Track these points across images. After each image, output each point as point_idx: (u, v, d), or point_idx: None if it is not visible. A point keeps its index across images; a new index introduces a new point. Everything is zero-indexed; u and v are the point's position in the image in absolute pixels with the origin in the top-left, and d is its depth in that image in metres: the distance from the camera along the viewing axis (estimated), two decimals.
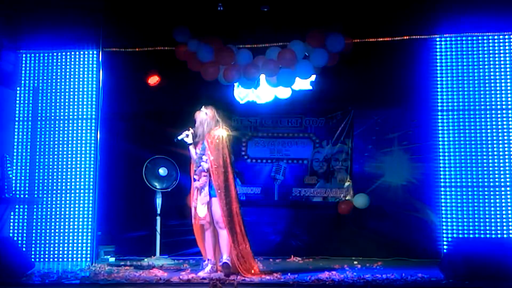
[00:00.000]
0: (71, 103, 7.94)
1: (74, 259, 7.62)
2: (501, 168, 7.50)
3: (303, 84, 8.21)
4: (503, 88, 7.62)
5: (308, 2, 7.72)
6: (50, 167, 7.84)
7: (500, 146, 7.53)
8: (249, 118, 8.57)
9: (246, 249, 6.23)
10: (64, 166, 7.83)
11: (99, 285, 5.83)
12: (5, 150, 7.65)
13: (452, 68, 7.76)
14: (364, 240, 8.07)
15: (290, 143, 8.52)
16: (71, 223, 7.72)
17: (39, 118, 7.94)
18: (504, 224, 7.39)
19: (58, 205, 7.76)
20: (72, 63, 8.00)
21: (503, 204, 7.43)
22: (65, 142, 7.87)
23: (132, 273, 6.40)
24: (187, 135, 6.37)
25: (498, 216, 7.42)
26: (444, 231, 7.60)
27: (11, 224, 7.74)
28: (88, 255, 7.62)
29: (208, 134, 6.33)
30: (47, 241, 7.70)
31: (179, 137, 6.40)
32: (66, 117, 7.92)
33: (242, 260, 6.15)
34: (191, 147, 6.41)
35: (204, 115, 6.40)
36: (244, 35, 8.10)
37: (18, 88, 8.01)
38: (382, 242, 7.97)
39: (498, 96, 7.61)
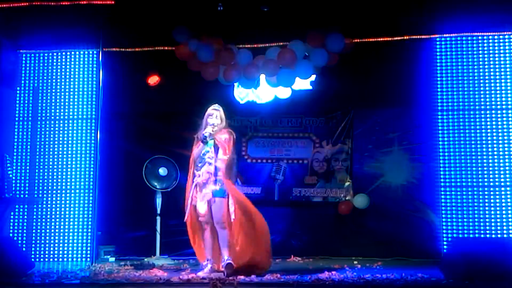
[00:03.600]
0: (71, 103, 7.95)
1: (74, 259, 7.64)
2: (501, 168, 7.50)
3: (303, 84, 8.21)
4: (503, 88, 7.63)
5: (308, 2, 7.72)
6: (50, 167, 7.85)
7: (500, 146, 7.54)
8: (249, 118, 8.56)
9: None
10: (64, 166, 7.84)
11: (99, 285, 5.82)
12: (5, 150, 7.65)
13: (452, 68, 7.77)
14: (364, 240, 8.07)
15: (290, 143, 8.52)
16: (71, 223, 7.73)
17: (39, 118, 7.95)
18: (504, 224, 7.40)
19: (58, 205, 7.77)
20: (72, 63, 8.02)
21: (503, 204, 7.44)
22: (65, 142, 7.88)
23: (132, 273, 6.39)
24: (210, 133, 6.27)
25: (498, 216, 7.43)
26: (444, 231, 7.60)
27: (11, 224, 7.74)
28: (88, 255, 7.63)
29: (221, 132, 6.32)
30: (47, 241, 7.72)
31: (206, 134, 6.23)
32: (66, 117, 7.93)
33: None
34: (201, 144, 6.31)
35: (223, 113, 6.41)
36: (244, 35, 8.10)
37: (18, 88, 8.02)
38: (382, 242, 7.96)
39: (498, 96, 7.62)
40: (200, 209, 6.24)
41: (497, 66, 7.66)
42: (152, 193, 7.85)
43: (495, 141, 7.56)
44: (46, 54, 8.05)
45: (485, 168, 7.54)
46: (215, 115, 6.38)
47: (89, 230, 7.69)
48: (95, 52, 7.96)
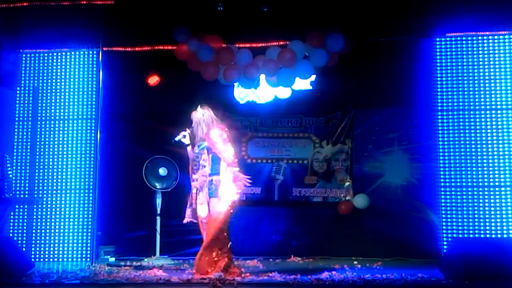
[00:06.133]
0: (71, 103, 7.95)
1: (74, 259, 7.64)
2: (501, 168, 7.51)
3: (303, 84, 8.20)
4: (503, 88, 7.63)
5: (308, 2, 7.72)
6: (50, 167, 7.85)
7: (500, 146, 7.54)
8: (249, 118, 8.57)
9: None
10: (64, 166, 7.84)
11: (99, 285, 5.83)
12: (5, 150, 7.65)
13: (452, 68, 7.78)
14: (364, 240, 8.07)
15: (290, 143, 8.52)
16: (71, 223, 7.73)
17: (39, 118, 7.95)
18: (504, 224, 7.40)
19: (58, 205, 7.77)
20: (72, 62, 8.02)
21: (503, 204, 7.44)
22: (65, 142, 7.88)
23: (132, 273, 6.39)
24: (184, 136, 6.39)
25: (498, 216, 7.44)
26: (444, 231, 7.61)
27: (11, 224, 7.75)
28: (88, 255, 7.63)
29: (207, 134, 6.32)
30: (47, 241, 7.72)
31: (176, 138, 6.42)
32: (66, 117, 7.93)
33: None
34: (188, 148, 6.42)
35: (201, 115, 6.35)
36: (244, 35, 8.10)
37: (18, 88, 8.02)
38: (382, 242, 7.97)
39: (498, 96, 7.63)
40: (200, 212, 6.26)
41: (497, 66, 7.67)
42: (152, 193, 7.85)
43: (495, 141, 7.56)
44: (46, 54, 8.05)
45: (485, 168, 7.54)
46: (192, 117, 6.39)
47: (89, 230, 7.69)
48: (95, 52, 7.95)
